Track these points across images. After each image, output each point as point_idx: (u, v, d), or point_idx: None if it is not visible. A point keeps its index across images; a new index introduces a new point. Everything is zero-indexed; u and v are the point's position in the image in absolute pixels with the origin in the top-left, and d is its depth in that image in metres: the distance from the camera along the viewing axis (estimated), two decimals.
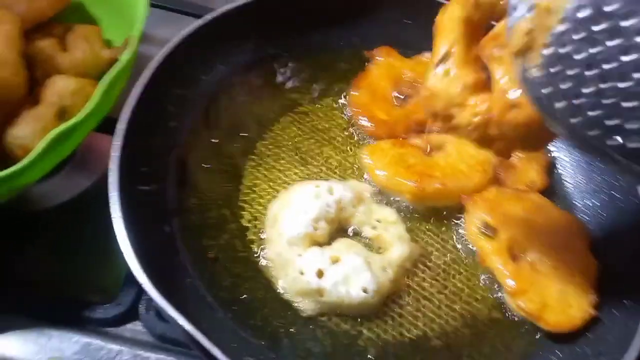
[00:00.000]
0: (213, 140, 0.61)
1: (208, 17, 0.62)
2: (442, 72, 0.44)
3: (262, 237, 0.56)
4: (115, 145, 0.50)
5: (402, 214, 0.59)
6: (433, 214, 0.60)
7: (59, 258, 0.60)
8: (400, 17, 0.71)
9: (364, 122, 0.65)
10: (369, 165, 0.61)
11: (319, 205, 0.54)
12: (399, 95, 0.67)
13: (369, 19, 0.72)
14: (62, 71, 0.57)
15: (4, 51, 0.52)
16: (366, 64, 0.70)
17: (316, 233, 0.53)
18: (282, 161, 0.61)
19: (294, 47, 0.69)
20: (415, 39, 0.68)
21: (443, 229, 0.59)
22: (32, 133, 0.52)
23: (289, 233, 0.53)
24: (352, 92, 0.67)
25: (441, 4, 0.48)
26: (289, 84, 0.68)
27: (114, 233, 0.46)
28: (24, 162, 0.47)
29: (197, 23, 0.61)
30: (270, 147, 0.62)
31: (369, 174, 0.61)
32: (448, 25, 0.45)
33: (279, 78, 0.68)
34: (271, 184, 0.60)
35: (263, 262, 0.54)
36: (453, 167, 0.61)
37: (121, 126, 0.52)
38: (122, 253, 0.45)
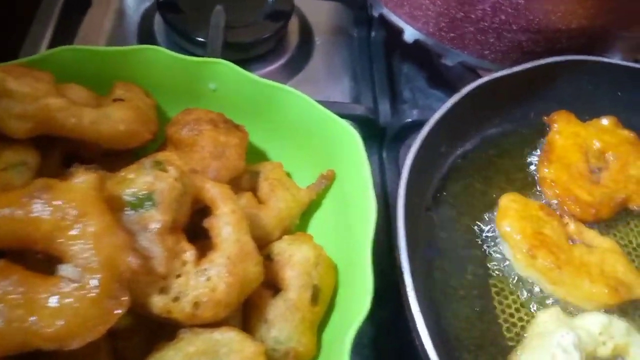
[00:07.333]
0: None
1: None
2: None
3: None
4: None
5: None
6: None
7: None
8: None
9: (570, 204, 0.59)
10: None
11: None
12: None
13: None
14: (268, 231, 0.46)
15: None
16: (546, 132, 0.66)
17: None
18: None
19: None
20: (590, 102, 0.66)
21: None
22: (294, 331, 0.40)
23: None
24: (543, 169, 0.65)
25: None
26: None
27: None
28: None
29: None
30: None
31: None
32: None
33: None
34: None
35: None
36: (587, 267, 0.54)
37: None
38: None
